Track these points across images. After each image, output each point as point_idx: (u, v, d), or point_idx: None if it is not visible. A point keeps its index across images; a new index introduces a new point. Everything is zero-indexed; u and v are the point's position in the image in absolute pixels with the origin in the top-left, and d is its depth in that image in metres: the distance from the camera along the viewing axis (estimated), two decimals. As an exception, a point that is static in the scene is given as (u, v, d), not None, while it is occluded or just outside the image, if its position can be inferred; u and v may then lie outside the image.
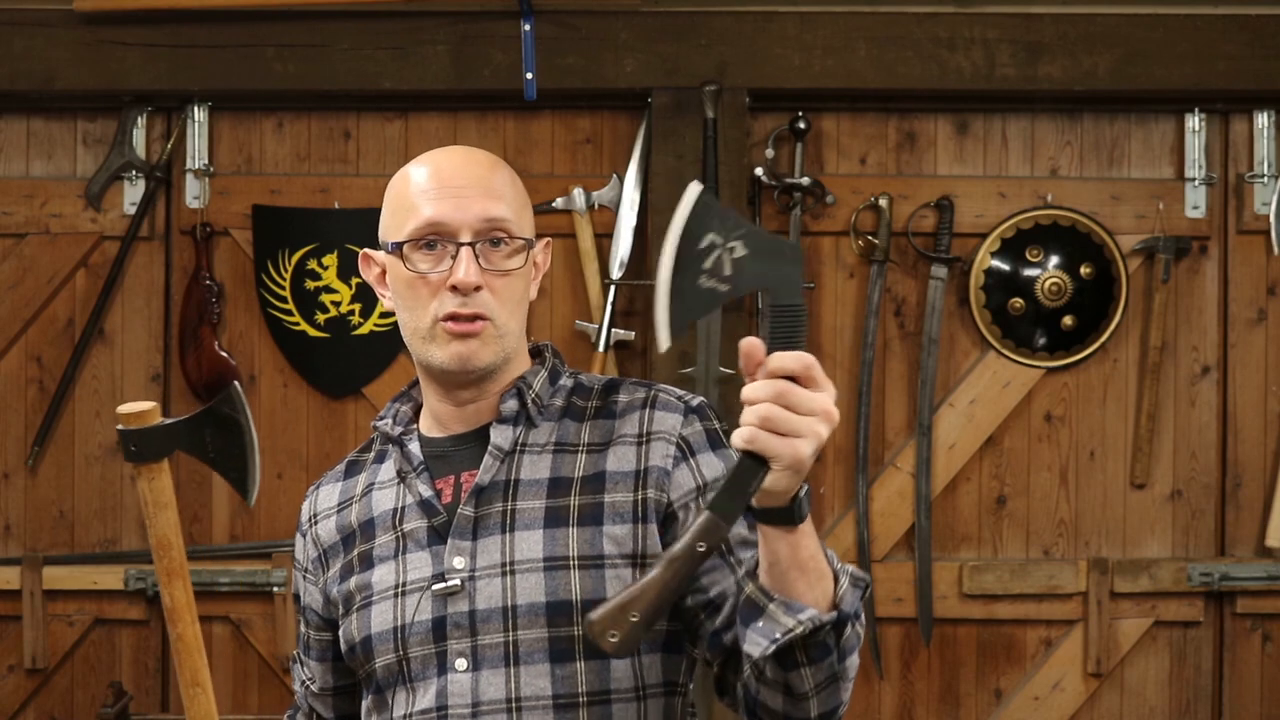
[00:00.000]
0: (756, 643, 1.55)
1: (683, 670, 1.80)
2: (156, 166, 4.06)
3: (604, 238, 4.01)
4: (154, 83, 3.97)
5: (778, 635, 1.53)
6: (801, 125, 3.99)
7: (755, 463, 1.46)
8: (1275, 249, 4.03)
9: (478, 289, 1.77)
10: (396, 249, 1.80)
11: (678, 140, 3.90)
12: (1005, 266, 4.05)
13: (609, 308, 3.96)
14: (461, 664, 1.74)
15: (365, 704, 1.85)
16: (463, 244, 1.77)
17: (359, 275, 4.02)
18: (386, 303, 1.87)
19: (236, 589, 4.02)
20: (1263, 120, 4.06)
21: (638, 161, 4.00)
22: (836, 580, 1.56)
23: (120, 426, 1.69)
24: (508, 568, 1.74)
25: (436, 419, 1.86)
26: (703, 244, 1.46)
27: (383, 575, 1.80)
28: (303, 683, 1.97)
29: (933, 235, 4.05)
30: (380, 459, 1.90)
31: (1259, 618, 4.08)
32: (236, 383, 1.79)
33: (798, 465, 1.46)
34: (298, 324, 4.05)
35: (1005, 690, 4.10)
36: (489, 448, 1.80)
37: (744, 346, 1.48)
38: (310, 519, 1.93)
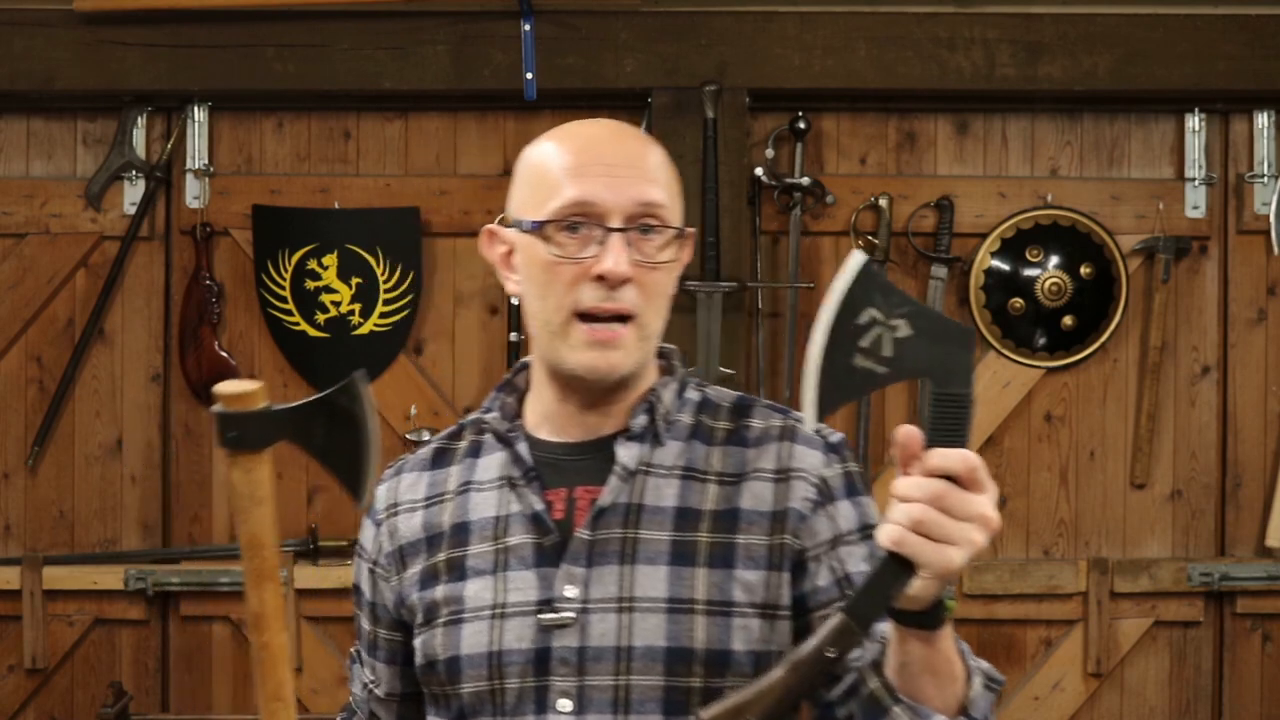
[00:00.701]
0: None
1: None
2: (156, 166, 4.06)
3: (604, 238, 4.01)
4: (154, 83, 3.97)
5: None
6: (801, 125, 3.99)
7: (900, 566, 1.33)
8: (1275, 249, 4.03)
9: (626, 282, 1.58)
10: (535, 228, 1.60)
11: (678, 140, 3.90)
12: (1005, 266, 4.05)
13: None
14: (565, 705, 1.57)
15: None
16: (613, 229, 1.58)
17: (359, 275, 4.03)
18: (511, 286, 1.66)
19: (237, 589, 4.01)
20: (1263, 120, 4.06)
21: (638, 161, 3.99)
22: (968, 678, 1.44)
23: (219, 408, 1.47)
24: (625, 603, 1.57)
25: (549, 420, 1.67)
26: (861, 320, 1.32)
27: (477, 591, 1.62)
28: (365, 685, 1.78)
29: (933, 235, 4.05)
30: (474, 452, 1.71)
31: (1259, 618, 4.08)
32: (362, 372, 1.54)
33: (947, 574, 1.32)
34: (298, 324, 4.05)
35: (1005, 690, 4.09)
36: (615, 466, 1.62)
37: (900, 436, 1.33)
38: (389, 508, 1.73)
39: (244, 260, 4.08)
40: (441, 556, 1.66)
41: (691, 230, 1.69)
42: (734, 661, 1.57)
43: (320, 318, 4.05)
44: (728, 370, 3.86)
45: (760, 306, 4.00)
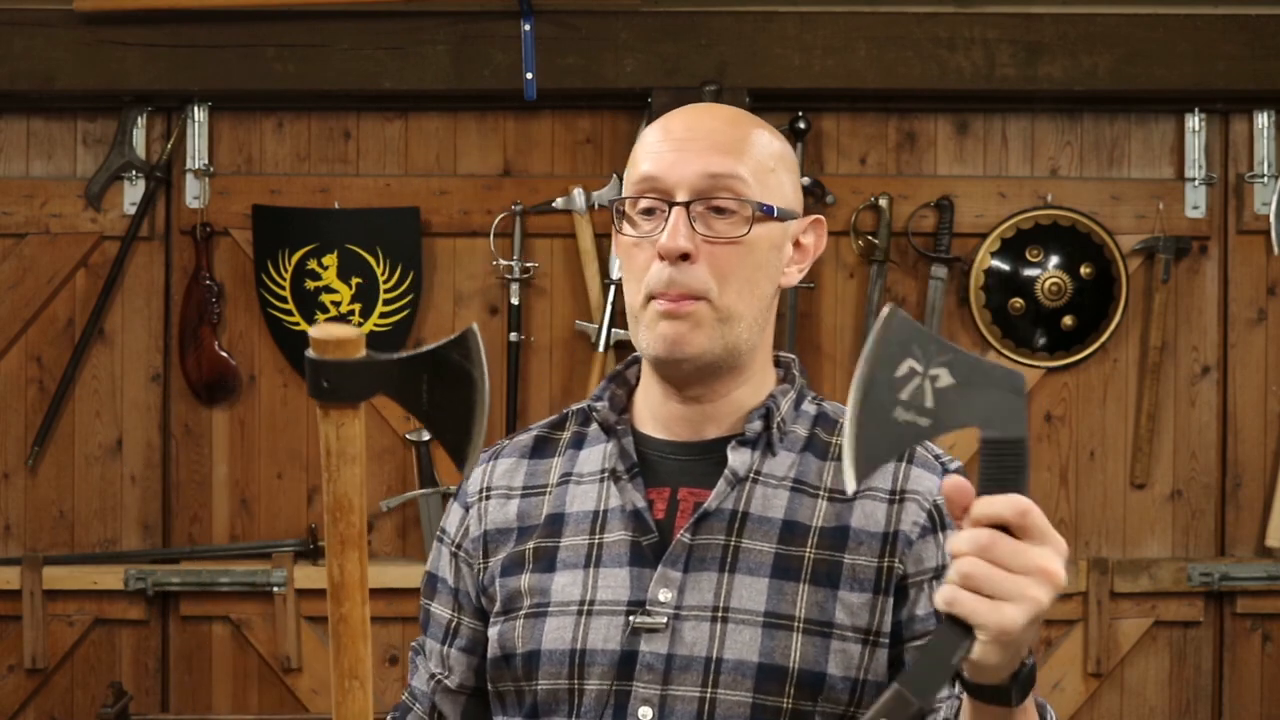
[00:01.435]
0: None
1: None
2: (156, 166, 4.06)
3: (604, 238, 4.00)
4: (154, 83, 3.97)
5: None
6: (801, 125, 3.99)
7: (956, 629, 1.21)
8: (1275, 249, 4.03)
9: (686, 258, 1.50)
10: (615, 210, 1.56)
11: (678, 140, 3.89)
12: (1005, 266, 4.05)
13: (609, 308, 3.96)
14: (646, 713, 1.50)
15: None
16: (675, 204, 1.51)
17: (359, 275, 4.03)
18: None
19: (236, 589, 4.01)
20: (1263, 120, 4.06)
21: (638, 161, 3.99)
22: None
23: (313, 354, 1.33)
24: (720, 613, 1.51)
25: (656, 417, 1.61)
26: (899, 372, 1.23)
27: (565, 584, 1.56)
28: (432, 675, 1.69)
29: (933, 235, 4.05)
30: (578, 444, 1.65)
31: (1259, 618, 4.08)
32: (475, 326, 1.43)
33: (1004, 636, 1.19)
34: (298, 324, 4.05)
35: (1005, 690, 4.10)
36: (725, 471, 1.55)
37: (947, 488, 1.23)
38: (482, 492, 1.66)
39: (244, 260, 4.08)
40: (530, 544, 1.60)
41: (815, 218, 1.62)
42: (827, 685, 1.51)
43: (320, 318, 4.04)
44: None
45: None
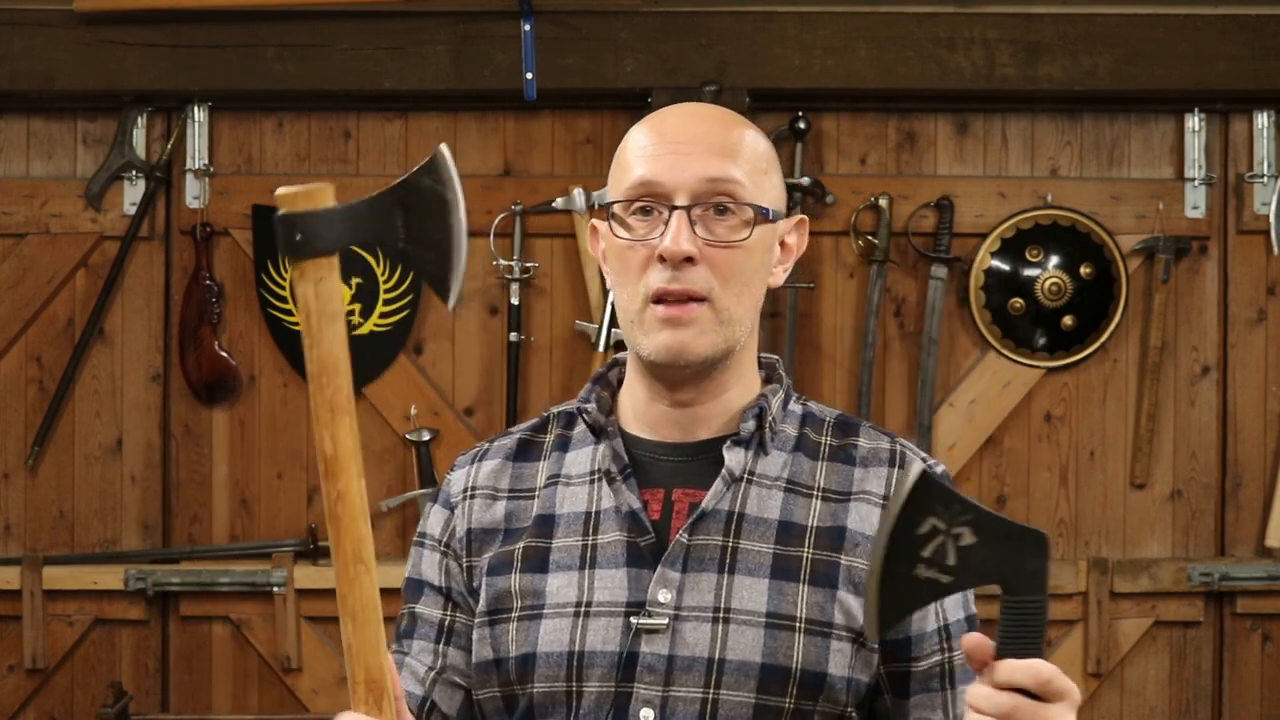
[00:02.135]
0: None
1: None
2: (156, 166, 4.06)
3: (604, 238, 4.00)
4: (154, 83, 3.97)
5: None
6: (801, 125, 3.99)
7: None
8: (1275, 249, 4.03)
9: (689, 260, 1.52)
10: (607, 211, 1.58)
11: (678, 140, 3.89)
12: (1005, 266, 4.05)
13: (609, 308, 3.96)
14: (648, 714, 1.50)
15: None
16: (676, 207, 1.53)
17: (359, 275, 4.03)
18: (609, 281, 1.62)
19: (236, 589, 4.01)
20: (1263, 120, 4.06)
21: (638, 161, 3.99)
22: None
23: (283, 212, 1.31)
24: (721, 614, 1.52)
25: (644, 419, 1.62)
26: (923, 529, 1.28)
27: (560, 586, 1.55)
28: (430, 669, 1.64)
29: (933, 235, 4.05)
30: (563, 446, 1.64)
31: (1259, 618, 4.08)
32: (444, 147, 1.36)
33: None
34: (298, 324, 4.03)
35: (1005, 690, 4.10)
36: (723, 471, 1.56)
37: (968, 645, 1.32)
38: (467, 491, 1.65)
39: (244, 260, 4.08)
40: (520, 545, 1.59)
41: (800, 218, 1.66)
42: (828, 685, 1.53)
43: (320, 318, 4.04)
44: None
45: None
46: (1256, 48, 3.92)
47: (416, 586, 1.66)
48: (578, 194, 3.97)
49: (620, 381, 1.67)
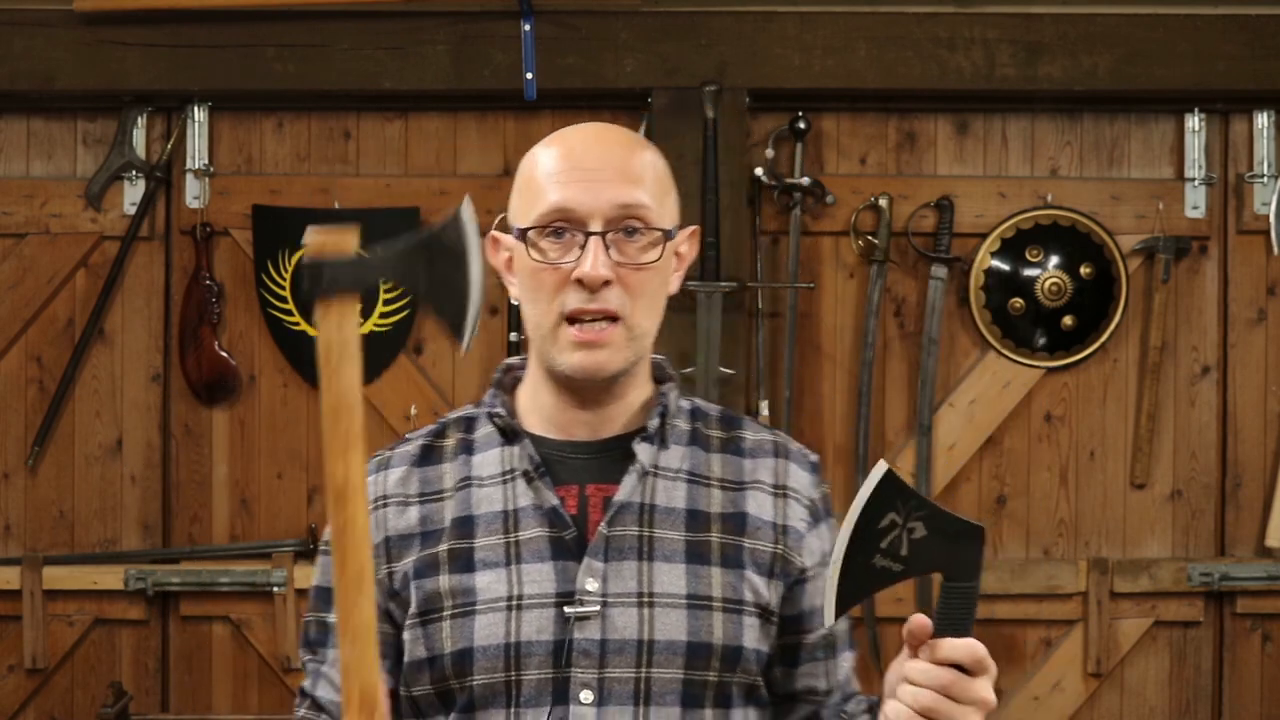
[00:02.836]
0: None
1: None
2: (156, 166, 4.06)
3: (604, 238, 4.00)
4: (154, 83, 3.97)
5: None
6: (801, 125, 3.99)
7: None
8: (1275, 249, 4.03)
9: (607, 284, 1.62)
10: (522, 235, 1.67)
11: (678, 140, 3.89)
12: (1005, 266, 4.05)
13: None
14: (587, 696, 1.61)
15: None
16: (592, 233, 1.63)
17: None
18: (513, 291, 1.72)
19: (236, 589, 4.01)
20: (1262, 120, 4.06)
21: (638, 161, 3.99)
22: None
23: (310, 257, 1.37)
24: (646, 599, 1.63)
25: (551, 421, 1.71)
26: (882, 523, 1.43)
27: (489, 582, 1.64)
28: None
29: (933, 235, 4.05)
30: (467, 449, 1.74)
31: (1259, 618, 4.08)
32: (468, 201, 1.52)
33: None
34: (298, 324, 4.05)
35: (1005, 690, 4.10)
36: (634, 465, 1.67)
37: (912, 624, 1.46)
38: (378, 500, 1.72)
39: (244, 260, 4.08)
40: (442, 548, 1.67)
41: (693, 229, 1.76)
42: (744, 657, 1.66)
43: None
44: (728, 370, 3.85)
45: (760, 306, 4.00)
46: (1256, 48, 3.93)
47: (326, 595, 1.68)
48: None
49: (515, 384, 1.78)
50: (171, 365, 4.11)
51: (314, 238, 1.38)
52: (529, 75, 3.90)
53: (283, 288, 4.04)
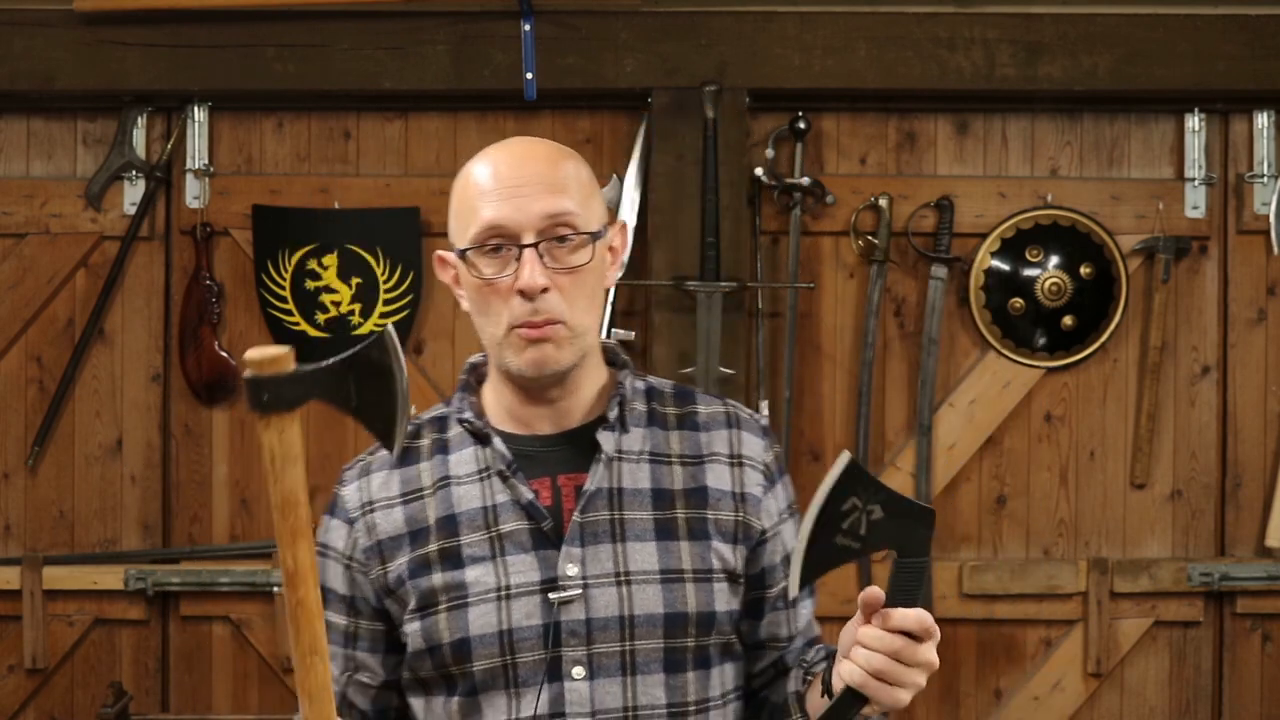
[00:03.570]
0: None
1: (741, 675, 1.90)
2: (156, 166, 4.07)
3: (604, 238, 4.00)
4: (154, 83, 3.97)
5: None
6: (801, 125, 3.99)
7: (857, 699, 1.62)
8: (1275, 249, 4.03)
9: (545, 291, 1.74)
10: (462, 256, 1.78)
11: (678, 140, 3.90)
12: (1005, 266, 4.05)
13: (609, 307, 3.96)
14: (579, 672, 1.75)
15: (436, 705, 1.81)
16: (525, 246, 1.74)
17: (359, 275, 4.03)
18: (464, 304, 1.83)
19: (236, 589, 4.01)
20: (1262, 120, 4.06)
21: (638, 162, 4.00)
22: None
23: (250, 374, 1.52)
24: (623, 577, 1.77)
25: (516, 418, 1.83)
26: (845, 506, 1.58)
27: (479, 576, 1.77)
28: (344, 671, 1.87)
29: (933, 235, 4.05)
30: (442, 449, 1.85)
31: (1259, 618, 4.08)
32: (391, 326, 1.64)
33: (895, 708, 1.63)
34: (298, 324, 4.05)
35: (1005, 690, 4.10)
36: (600, 454, 1.79)
37: (865, 596, 1.60)
38: (365, 506, 1.84)
39: (244, 260, 4.08)
40: (433, 547, 1.79)
41: (620, 223, 1.87)
42: (717, 620, 1.80)
43: (320, 318, 4.05)
44: (728, 370, 3.85)
45: (760, 306, 4.00)
46: (1256, 48, 3.93)
47: (326, 592, 1.84)
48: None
49: (481, 381, 1.89)
50: (171, 365, 4.11)
51: (252, 356, 1.51)
52: (529, 75, 3.90)
53: (283, 288, 4.04)
